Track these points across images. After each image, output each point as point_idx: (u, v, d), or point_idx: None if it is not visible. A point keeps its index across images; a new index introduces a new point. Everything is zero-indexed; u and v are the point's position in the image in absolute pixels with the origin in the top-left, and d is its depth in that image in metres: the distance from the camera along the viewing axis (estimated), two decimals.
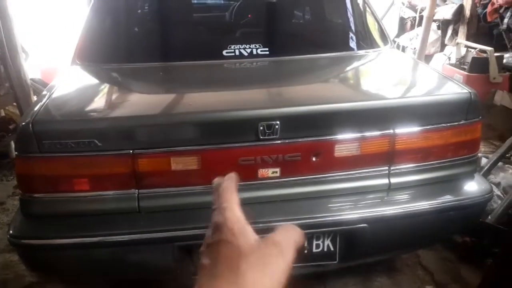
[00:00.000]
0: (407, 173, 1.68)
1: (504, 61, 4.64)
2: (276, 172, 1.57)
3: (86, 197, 1.52)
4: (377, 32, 2.49)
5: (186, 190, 1.56)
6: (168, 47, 2.29)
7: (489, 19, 5.43)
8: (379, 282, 2.18)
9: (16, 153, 1.51)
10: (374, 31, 2.52)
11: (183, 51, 2.30)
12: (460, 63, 4.83)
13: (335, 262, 1.67)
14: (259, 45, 2.17)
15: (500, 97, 4.14)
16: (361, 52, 2.37)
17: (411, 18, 6.65)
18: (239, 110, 1.57)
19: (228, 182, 0.47)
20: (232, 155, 1.53)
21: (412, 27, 6.55)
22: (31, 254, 1.59)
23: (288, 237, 0.43)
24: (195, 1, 4.04)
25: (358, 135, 1.59)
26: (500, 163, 2.89)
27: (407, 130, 1.63)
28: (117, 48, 2.27)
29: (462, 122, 1.67)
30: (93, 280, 1.77)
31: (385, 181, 1.67)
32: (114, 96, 1.92)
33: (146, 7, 2.87)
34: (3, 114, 3.89)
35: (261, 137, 1.50)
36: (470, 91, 1.68)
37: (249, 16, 2.95)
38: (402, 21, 6.80)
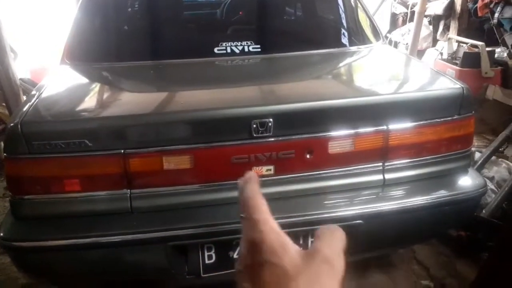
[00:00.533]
0: (401, 169, 1.68)
1: (496, 55, 4.67)
2: (270, 169, 1.56)
3: (77, 198, 1.50)
4: (369, 28, 2.48)
5: (179, 189, 1.54)
6: (158, 45, 2.26)
7: (479, 14, 5.46)
8: (374, 277, 2.18)
9: (5, 154, 1.48)
10: (366, 27, 2.51)
11: (174, 49, 2.27)
12: (452, 58, 4.85)
13: None
14: (251, 42, 2.15)
15: (492, 92, 4.16)
16: (353, 48, 2.36)
17: (403, 14, 6.69)
18: (231, 108, 1.55)
19: (252, 186, 0.43)
20: (225, 154, 1.52)
21: (404, 22, 6.59)
22: (23, 256, 1.56)
23: (335, 246, 0.39)
24: None
25: (351, 131, 1.58)
26: (493, 157, 2.91)
27: (400, 126, 1.62)
28: (106, 47, 2.24)
29: (455, 117, 1.67)
30: (86, 281, 1.75)
31: (379, 177, 1.66)
32: (104, 96, 1.89)
33: (136, 5, 2.83)
34: None
35: (254, 135, 1.49)
36: (462, 86, 1.68)
37: (240, 13, 2.93)
38: (394, 16, 6.83)
